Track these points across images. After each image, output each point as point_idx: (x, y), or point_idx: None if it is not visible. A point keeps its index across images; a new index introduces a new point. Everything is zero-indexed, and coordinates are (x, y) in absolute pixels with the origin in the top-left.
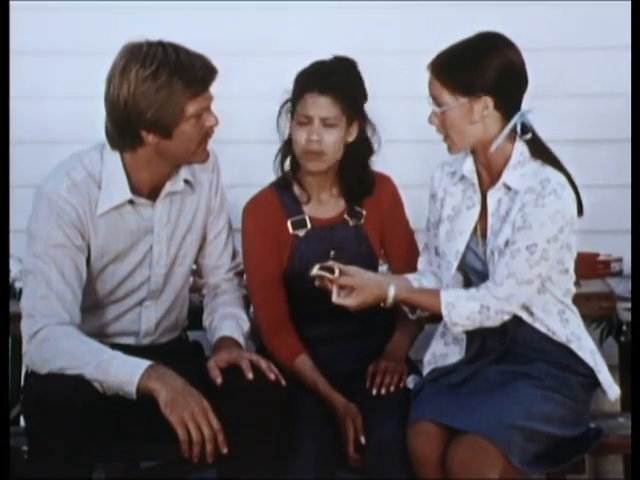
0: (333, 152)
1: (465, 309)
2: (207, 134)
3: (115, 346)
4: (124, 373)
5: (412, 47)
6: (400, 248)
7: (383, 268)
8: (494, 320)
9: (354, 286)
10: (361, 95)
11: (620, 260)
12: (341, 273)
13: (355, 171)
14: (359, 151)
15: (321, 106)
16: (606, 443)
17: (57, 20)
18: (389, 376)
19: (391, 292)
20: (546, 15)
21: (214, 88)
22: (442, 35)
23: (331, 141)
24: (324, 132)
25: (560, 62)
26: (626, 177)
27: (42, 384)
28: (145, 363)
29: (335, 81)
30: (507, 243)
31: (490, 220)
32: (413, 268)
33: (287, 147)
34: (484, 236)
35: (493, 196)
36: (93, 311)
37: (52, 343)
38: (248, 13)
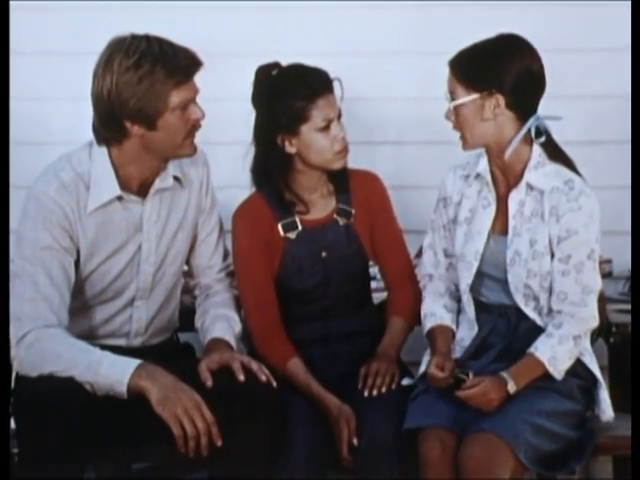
0: None
1: (565, 354)
2: (194, 127)
3: (106, 348)
4: (114, 373)
5: (409, 49)
6: (389, 246)
7: (374, 270)
8: (585, 343)
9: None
10: None
11: (610, 262)
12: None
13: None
14: None
15: (333, 104)
16: (596, 444)
17: (56, 21)
18: (381, 377)
19: (512, 390)
20: (546, 16)
21: (203, 90)
22: (442, 37)
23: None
24: (342, 127)
25: (561, 63)
26: (619, 178)
27: (32, 385)
28: (135, 362)
29: (330, 78)
30: (532, 243)
31: (512, 222)
32: (401, 266)
33: (283, 161)
34: (500, 235)
35: (514, 198)
36: (83, 312)
37: (40, 346)
38: (243, 14)
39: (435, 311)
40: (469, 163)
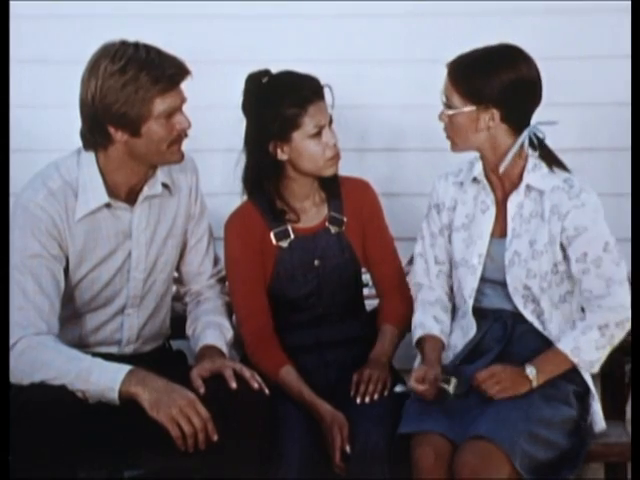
0: None
1: (589, 344)
2: (179, 136)
3: (98, 355)
4: (104, 380)
5: (401, 56)
6: (380, 254)
7: (367, 277)
8: (619, 334)
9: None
10: None
11: None
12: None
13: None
14: None
15: (324, 110)
16: (589, 451)
17: (53, 28)
18: (373, 384)
19: (532, 374)
20: (542, 24)
21: (195, 97)
22: (435, 45)
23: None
24: (333, 134)
25: (555, 71)
26: (611, 186)
27: (25, 393)
28: (125, 368)
29: (321, 84)
30: (532, 243)
31: (511, 224)
32: (393, 273)
33: (274, 168)
34: (498, 237)
35: (513, 200)
36: (74, 320)
37: (30, 355)
38: (235, 22)
39: (424, 321)
40: (462, 170)
